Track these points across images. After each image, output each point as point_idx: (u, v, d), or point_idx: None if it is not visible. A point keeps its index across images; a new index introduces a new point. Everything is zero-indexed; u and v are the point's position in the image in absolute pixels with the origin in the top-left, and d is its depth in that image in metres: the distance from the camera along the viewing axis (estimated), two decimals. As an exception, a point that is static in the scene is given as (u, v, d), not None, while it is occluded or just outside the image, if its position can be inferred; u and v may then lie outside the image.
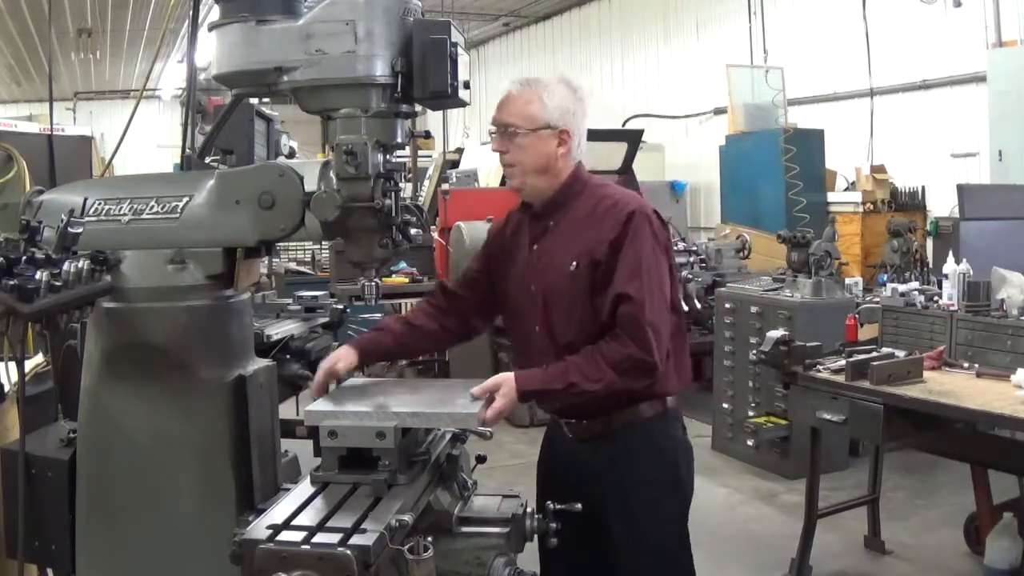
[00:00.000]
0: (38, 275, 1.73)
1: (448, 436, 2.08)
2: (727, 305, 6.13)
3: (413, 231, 2.10)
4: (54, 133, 6.96)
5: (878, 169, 8.04)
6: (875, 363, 3.60)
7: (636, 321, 2.28)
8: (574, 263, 2.36)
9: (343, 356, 2.36)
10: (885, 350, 3.93)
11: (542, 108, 2.38)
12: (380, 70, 1.90)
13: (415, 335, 2.56)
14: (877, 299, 5.62)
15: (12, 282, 1.68)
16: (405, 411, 1.95)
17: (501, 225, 2.67)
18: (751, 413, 5.87)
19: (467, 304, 2.62)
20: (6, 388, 2.81)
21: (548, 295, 2.40)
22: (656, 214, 2.44)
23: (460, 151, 11.52)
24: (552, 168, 2.41)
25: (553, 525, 2.01)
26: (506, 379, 2.21)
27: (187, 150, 2.35)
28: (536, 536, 2.00)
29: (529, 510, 1.99)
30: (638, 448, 2.41)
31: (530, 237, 2.49)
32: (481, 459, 2.17)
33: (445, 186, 8.55)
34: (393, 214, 1.99)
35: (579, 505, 2.08)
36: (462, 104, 2.03)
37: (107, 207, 2.04)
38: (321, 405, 2.05)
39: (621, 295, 2.29)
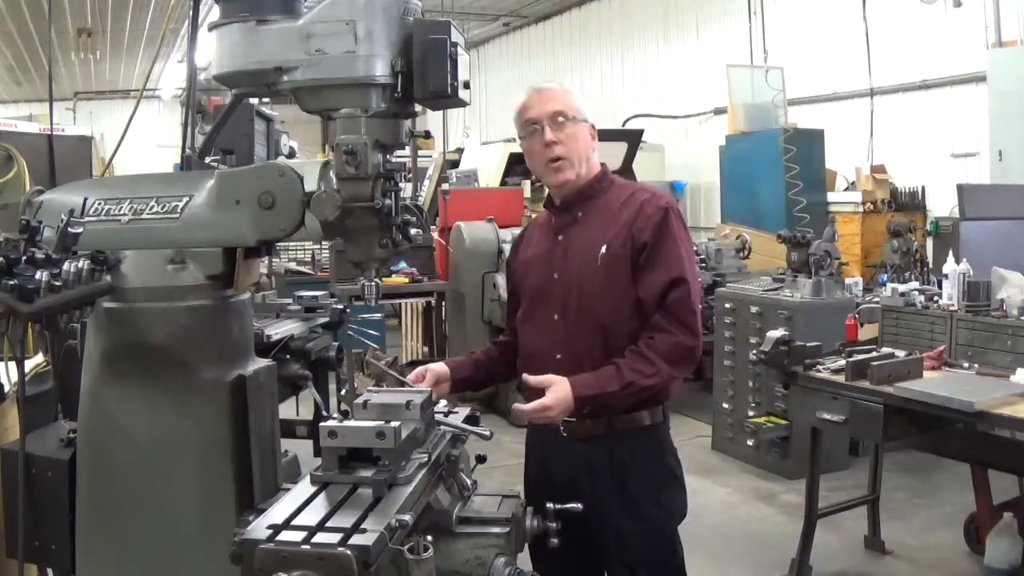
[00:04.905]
0: (38, 275, 1.72)
1: (448, 436, 2.08)
2: (727, 305, 6.13)
3: (413, 231, 2.09)
4: (54, 133, 6.96)
5: (878, 169, 8.04)
6: (875, 363, 3.60)
7: (688, 306, 2.39)
8: (604, 247, 2.42)
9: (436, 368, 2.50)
10: (885, 350, 3.94)
11: (580, 102, 2.47)
12: (380, 70, 1.89)
13: (497, 349, 2.71)
14: (877, 299, 5.62)
15: (12, 282, 1.68)
16: None
17: (515, 245, 2.76)
18: (751, 413, 5.88)
19: None
20: (6, 388, 2.81)
21: (577, 281, 2.45)
22: None
23: (460, 151, 11.52)
24: (590, 160, 2.50)
25: (553, 525, 2.01)
26: (559, 380, 2.27)
27: (187, 150, 2.34)
28: (534, 537, 2.00)
29: (529, 509, 1.99)
30: (639, 448, 2.45)
31: (555, 230, 2.54)
32: (481, 459, 2.17)
33: (445, 186, 8.56)
34: (393, 214, 1.98)
35: (579, 504, 2.08)
36: (462, 104, 2.03)
37: (107, 207, 2.04)
38: None
39: (676, 279, 2.37)
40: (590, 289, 2.42)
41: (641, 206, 2.44)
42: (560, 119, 2.44)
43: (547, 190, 2.65)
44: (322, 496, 1.77)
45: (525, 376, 2.33)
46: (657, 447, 2.50)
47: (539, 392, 2.29)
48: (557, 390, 2.27)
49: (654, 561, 2.45)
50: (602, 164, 2.57)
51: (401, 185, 2.05)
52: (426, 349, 8.39)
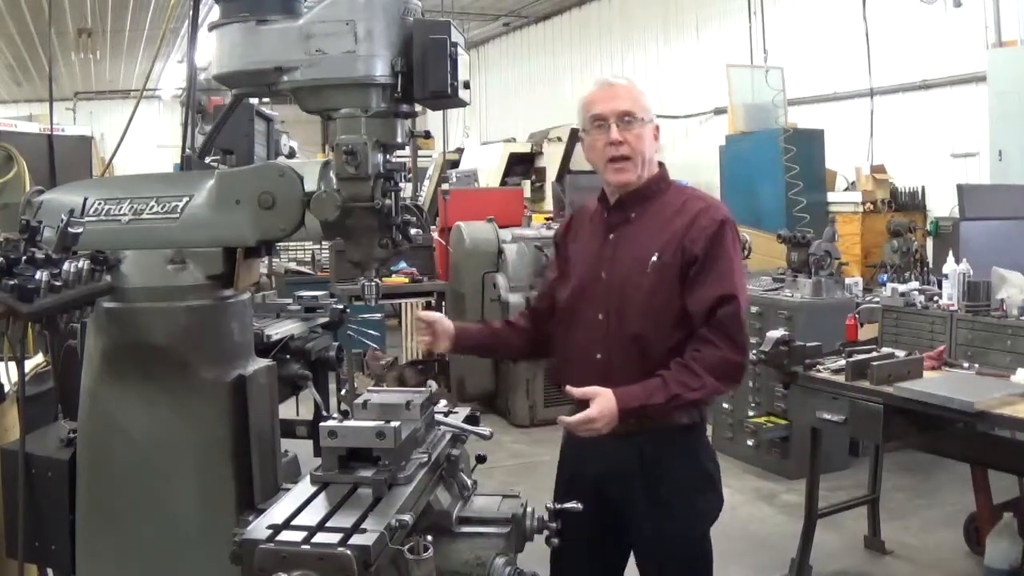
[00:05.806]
0: (38, 275, 1.72)
1: (448, 436, 2.08)
2: (727, 305, 6.12)
3: (413, 231, 2.09)
4: (54, 133, 6.96)
5: (878, 169, 8.04)
6: (875, 363, 3.60)
7: (737, 322, 2.36)
8: (656, 255, 2.39)
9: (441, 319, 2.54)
10: (885, 350, 3.94)
11: (648, 101, 2.46)
12: (380, 70, 1.89)
13: (507, 329, 2.68)
14: (877, 299, 5.63)
15: (12, 282, 1.68)
16: None
17: (565, 224, 2.75)
18: (751, 413, 5.87)
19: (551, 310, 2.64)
20: (6, 388, 2.81)
21: (623, 284, 2.42)
22: None
23: (460, 151, 11.54)
24: (652, 161, 2.48)
25: (553, 525, 2.01)
26: (604, 392, 2.25)
27: (187, 150, 2.34)
28: (545, 535, 2.00)
29: (529, 510, 1.99)
30: (671, 450, 2.43)
31: (606, 227, 2.51)
32: (481, 459, 2.17)
33: (445, 186, 8.57)
34: (393, 214, 1.98)
35: (579, 505, 2.07)
36: (462, 104, 2.03)
37: (107, 207, 2.04)
38: None
39: (727, 295, 2.34)
40: (635, 294, 2.40)
41: (696, 216, 2.41)
42: (627, 119, 2.41)
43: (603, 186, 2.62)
44: (322, 496, 1.77)
45: (568, 388, 2.33)
46: (693, 447, 2.48)
47: (584, 404, 2.27)
48: (602, 402, 2.24)
49: (682, 560, 2.44)
50: (660, 164, 2.55)
51: (401, 185, 2.05)
52: (426, 349, 8.38)
